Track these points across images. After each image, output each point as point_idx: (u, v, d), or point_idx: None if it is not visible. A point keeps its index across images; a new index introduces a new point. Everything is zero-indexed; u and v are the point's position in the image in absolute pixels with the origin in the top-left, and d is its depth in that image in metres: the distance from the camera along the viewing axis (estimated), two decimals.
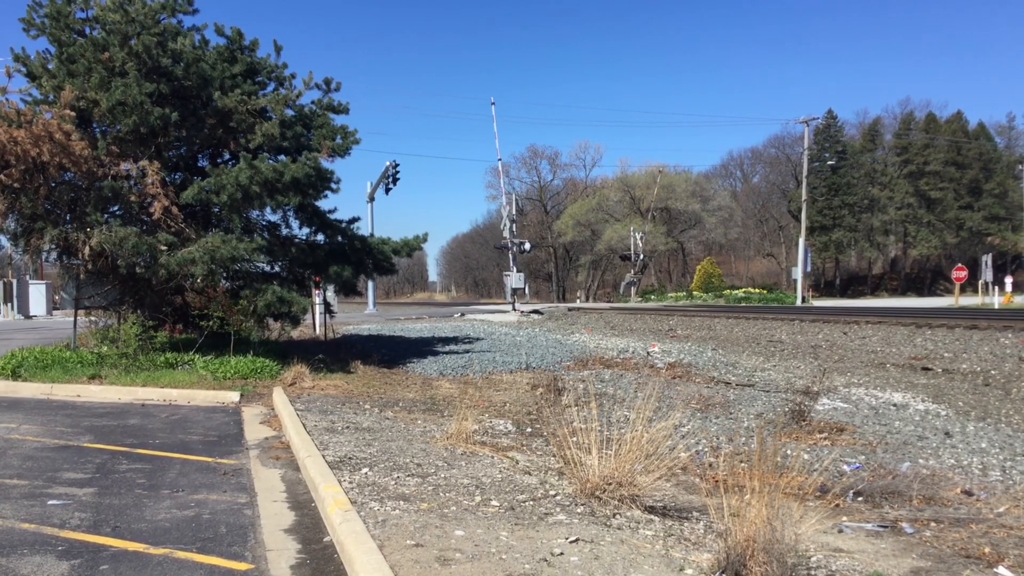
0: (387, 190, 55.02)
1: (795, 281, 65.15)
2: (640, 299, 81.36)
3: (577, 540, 5.31)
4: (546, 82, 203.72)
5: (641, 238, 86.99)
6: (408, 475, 7.34)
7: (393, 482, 7.04)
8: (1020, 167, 79.74)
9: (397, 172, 54.72)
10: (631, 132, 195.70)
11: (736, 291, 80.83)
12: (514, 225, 55.14)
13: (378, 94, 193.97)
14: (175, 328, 19.77)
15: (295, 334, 24.95)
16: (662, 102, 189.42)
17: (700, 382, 16.59)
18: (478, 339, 29.10)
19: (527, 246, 57.07)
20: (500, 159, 63.90)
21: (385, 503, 6.25)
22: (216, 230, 16.57)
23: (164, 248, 15.26)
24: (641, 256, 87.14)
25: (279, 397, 12.70)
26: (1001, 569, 5.12)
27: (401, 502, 6.31)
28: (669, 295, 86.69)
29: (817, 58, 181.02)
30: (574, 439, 6.71)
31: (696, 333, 32.60)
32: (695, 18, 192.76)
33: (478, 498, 6.53)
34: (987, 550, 5.68)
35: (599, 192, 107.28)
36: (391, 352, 23.09)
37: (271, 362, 15.73)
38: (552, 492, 6.78)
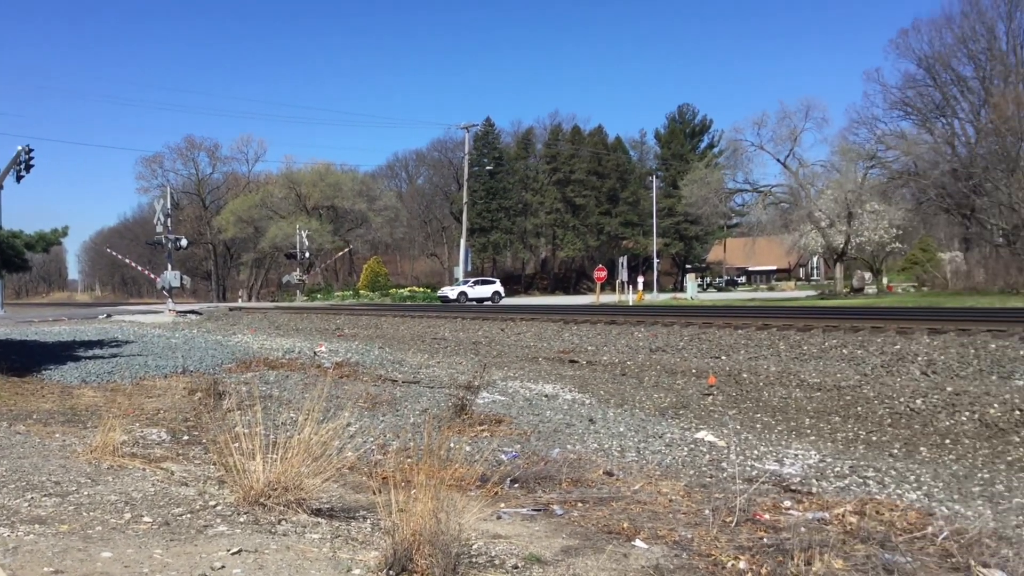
0: (18, 178, 48.90)
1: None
2: (306, 298, 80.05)
3: (240, 551, 5.05)
4: (199, 67, 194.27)
5: (307, 236, 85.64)
6: (44, 495, 6.55)
7: (27, 504, 6.23)
8: (649, 178, 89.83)
9: (31, 158, 49.02)
10: (296, 128, 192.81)
11: (402, 290, 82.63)
12: (169, 220, 51.69)
13: (5, 70, 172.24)
14: None
15: None
16: (328, 99, 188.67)
17: (368, 380, 16.62)
18: (128, 342, 26.84)
19: (183, 242, 53.69)
20: None
21: (17, 528, 5.51)
22: None
23: None
24: (307, 254, 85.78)
25: None
26: (637, 542, 5.63)
27: (36, 525, 5.60)
28: (336, 294, 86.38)
29: (481, 66, 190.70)
30: (236, 445, 6.39)
31: (363, 332, 32.72)
32: (369, 22, 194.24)
33: (128, 515, 5.99)
34: (626, 525, 6.17)
35: (263, 188, 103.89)
36: (23, 358, 20.55)
37: None
38: (212, 503, 6.40)
